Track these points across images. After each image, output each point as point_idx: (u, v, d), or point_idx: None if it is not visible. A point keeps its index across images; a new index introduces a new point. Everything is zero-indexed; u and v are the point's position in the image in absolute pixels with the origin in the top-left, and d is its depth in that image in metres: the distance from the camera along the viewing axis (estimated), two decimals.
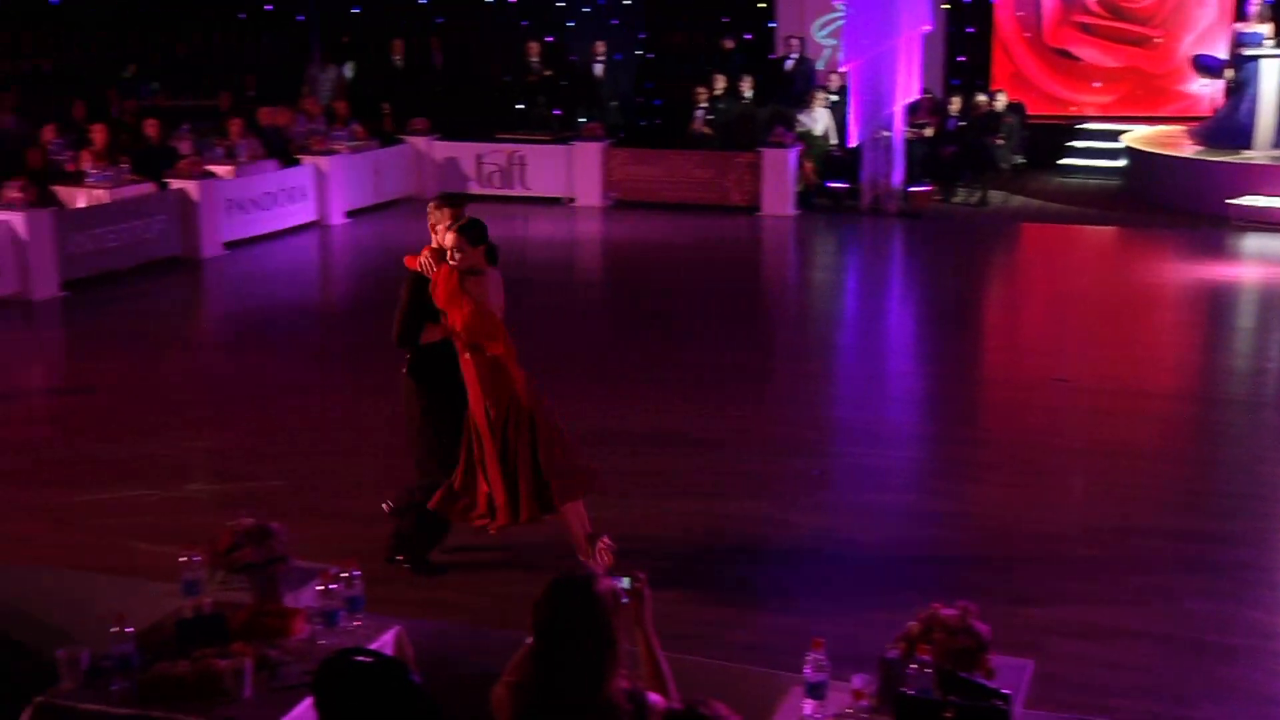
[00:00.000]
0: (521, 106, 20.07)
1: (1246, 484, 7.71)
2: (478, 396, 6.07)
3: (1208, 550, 6.75)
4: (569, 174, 17.81)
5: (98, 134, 14.68)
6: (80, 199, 13.86)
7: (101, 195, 13.82)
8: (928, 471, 8.18)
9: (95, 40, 21.57)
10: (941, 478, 8.01)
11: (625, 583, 3.44)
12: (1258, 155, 16.57)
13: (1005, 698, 3.52)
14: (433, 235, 6.30)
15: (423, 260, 6.15)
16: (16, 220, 12.22)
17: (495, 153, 18.21)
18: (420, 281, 6.13)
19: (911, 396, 9.85)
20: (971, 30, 20.55)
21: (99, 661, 4.22)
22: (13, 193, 12.42)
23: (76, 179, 14.20)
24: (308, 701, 4.03)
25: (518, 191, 18.04)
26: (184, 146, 15.44)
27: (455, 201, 6.45)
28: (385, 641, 4.56)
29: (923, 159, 17.12)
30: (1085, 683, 5.40)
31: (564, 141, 18.19)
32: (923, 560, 6.69)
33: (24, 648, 4.52)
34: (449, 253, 6.03)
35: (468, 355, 6.09)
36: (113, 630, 4.22)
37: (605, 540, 6.28)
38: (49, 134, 15.06)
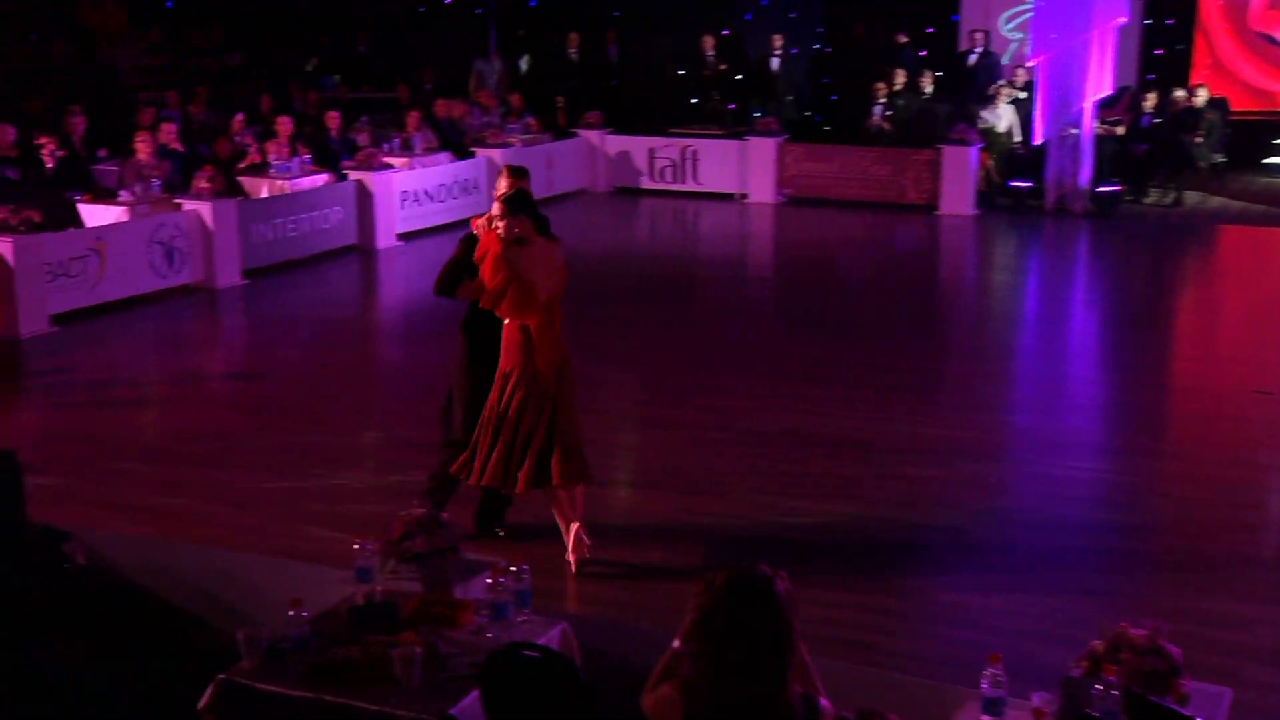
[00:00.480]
0: (696, 101, 20.11)
1: None
2: (504, 361, 6.32)
3: None
4: (742, 169, 17.78)
5: (282, 126, 15.26)
6: (263, 189, 14.43)
7: (283, 185, 14.37)
8: (1112, 484, 7.91)
9: (281, 36, 22.42)
10: (1127, 490, 7.74)
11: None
12: None
13: None
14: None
15: (480, 222, 6.36)
16: (204, 210, 12.80)
17: (668, 147, 18.29)
18: (472, 241, 6.42)
19: (1096, 404, 9.54)
20: (1170, 22, 19.77)
21: (277, 643, 4.38)
22: (201, 182, 13.02)
23: (260, 170, 14.79)
24: (474, 694, 4.12)
25: (690, 187, 18.09)
26: (362, 138, 15.94)
27: (515, 173, 6.64)
28: (552, 637, 4.62)
29: (1113, 157, 16.55)
30: None
31: (738, 136, 18.17)
32: (1106, 576, 6.47)
33: (209, 626, 4.73)
34: (491, 219, 6.20)
35: (507, 320, 6.34)
36: (290, 614, 4.37)
37: (584, 539, 6.37)
38: (237, 125, 15.73)
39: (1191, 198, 16.92)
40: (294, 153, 14.86)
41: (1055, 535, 6.99)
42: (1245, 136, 18.47)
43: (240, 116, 16.00)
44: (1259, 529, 7.19)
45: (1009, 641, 5.56)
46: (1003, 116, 17.20)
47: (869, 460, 8.01)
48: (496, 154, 16.60)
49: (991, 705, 3.61)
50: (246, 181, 14.50)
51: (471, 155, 16.67)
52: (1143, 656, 3.63)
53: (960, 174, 16.49)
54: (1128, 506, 7.45)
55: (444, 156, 16.33)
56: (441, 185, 15.87)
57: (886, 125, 17.86)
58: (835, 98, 20.68)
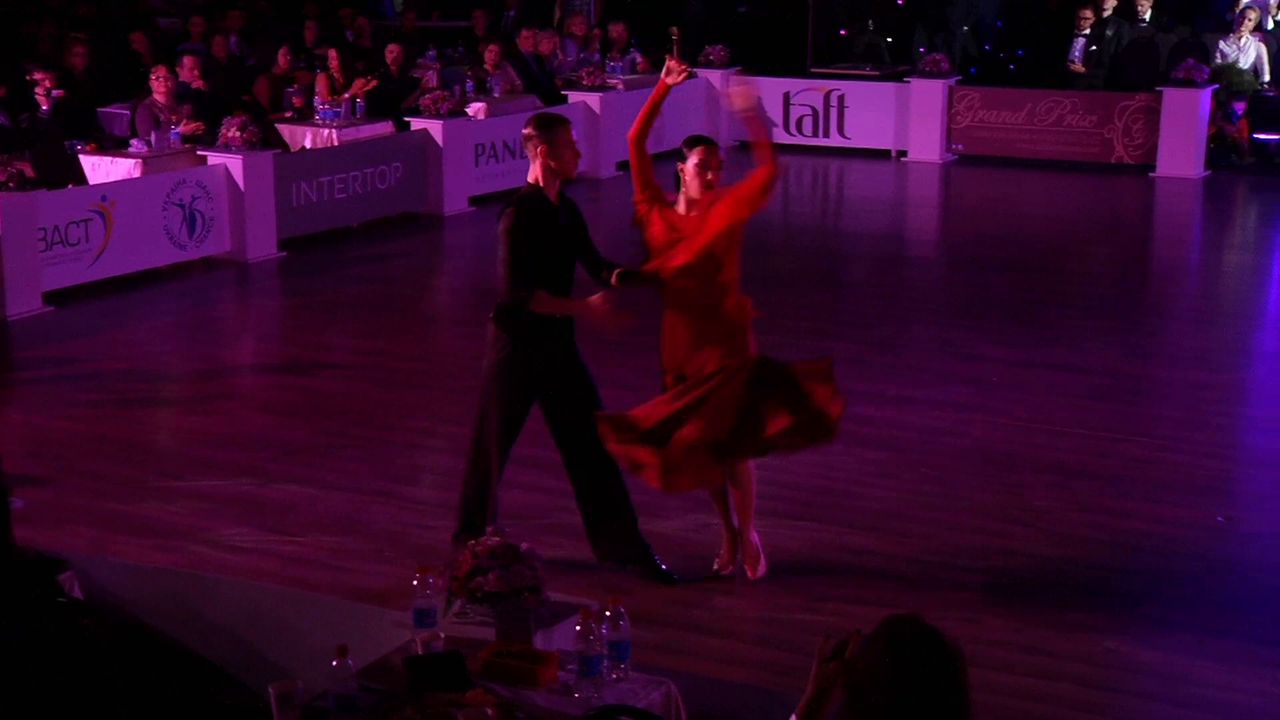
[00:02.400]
0: (844, 32, 20.05)
1: None
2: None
3: None
4: (900, 120, 17.70)
5: (333, 60, 15.47)
6: (305, 139, 14.70)
7: (330, 136, 14.63)
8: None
9: None
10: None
11: None
12: None
13: None
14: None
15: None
16: (234, 164, 13.05)
17: (807, 91, 18.29)
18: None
19: None
20: None
21: (315, 700, 4.47)
22: (230, 131, 13.13)
23: (303, 116, 15.06)
24: None
25: (834, 141, 18.06)
26: (429, 78, 16.18)
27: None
28: (654, 700, 4.65)
29: None
30: None
31: (896, 78, 18.08)
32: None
33: (233, 678, 4.84)
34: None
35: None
36: (333, 664, 4.46)
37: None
38: (283, 61, 15.89)
39: None
40: (342, 94, 15.11)
41: None
42: None
43: (284, 50, 16.22)
44: None
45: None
46: (1247, 50, 16.87)
47: (1065, 487, 7.93)
48: (594, 98, 16.72)
49: None
50: (285, 130, 14.78)
51: (564, 100, 16.82)
52: None
53: (1186, 125, 16.23)
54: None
55: (529, 101, 16.50)
56: None
57: (1090, 64, 17.62)
58: (1025, 28, 20.44)
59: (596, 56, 18.10)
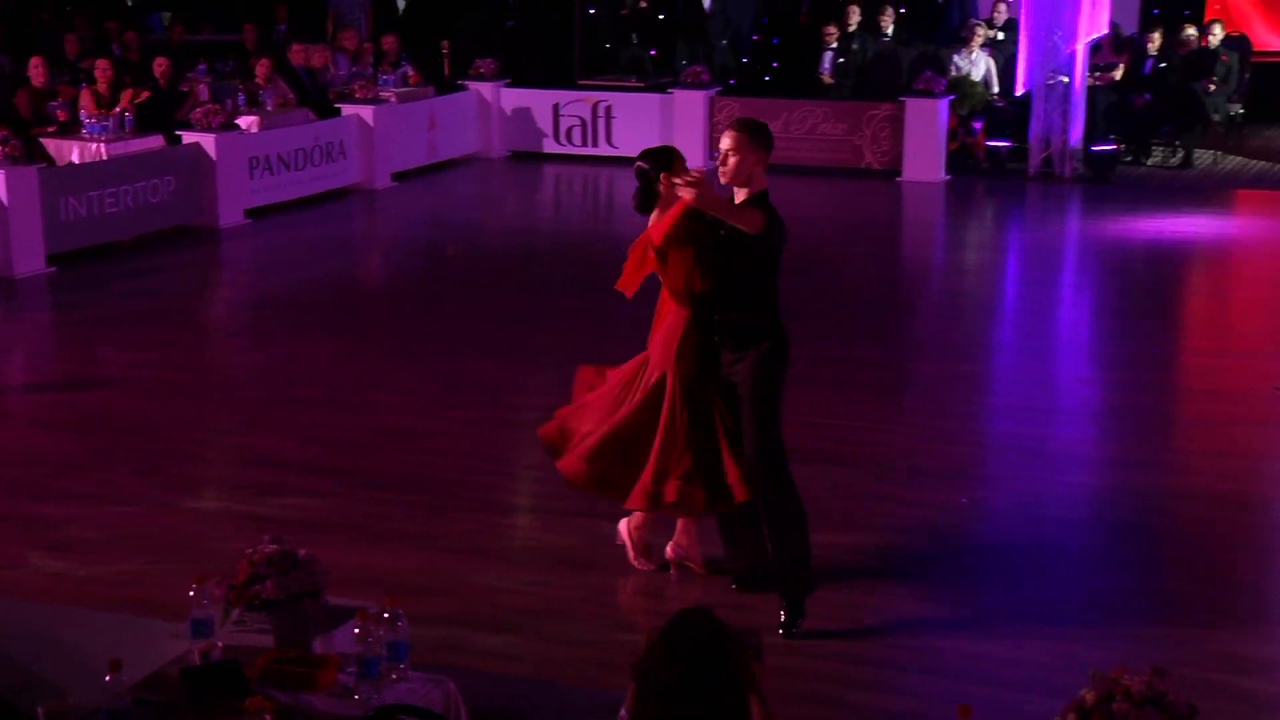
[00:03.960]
0: (610, 46, 20.18)
1: None
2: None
3: None
4: (666, 129, 17.87)
5: (100, 72, 14.98)
6: (73, 153, 14.22)
7: (98, 150, 14.18)
8: (1109, 502, 8.06)
9: None
10: (1129, 511, 7.89)
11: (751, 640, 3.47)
12: None
13: None
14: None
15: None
16: None
17: (576, 103, 18.34)
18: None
19: (1090, 408, 9.73)
20: None
21: (88, 718, 4.32)
22: None
23: (69, 129, 14.56)
24: None
25: (603, 151, 18.15)
26: (200, 91, 15.78)
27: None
28: (433, 698, 4.62)
29: (1109, 110, 16.88)
30: None
31: (661, 89, 18.27)
32: (1103, 614, 6.59)
33: (3, 700, 4.65)
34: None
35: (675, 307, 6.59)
36: (106, 680, 4.31)
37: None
38: (38, 73, 15.30)
39: (1203, 157, 17.30)
40: (110, 108, 14.65)
41: (1044, 566, 7.11)
42: (1268, 83, 18.89)
43: (40, 59, 15.54)
44: None
45: (989, 691, 5.65)
46: (978, 63, 17.47)
47: (827, 475, 8.09)
48: (367, 111, 16.52)
49: None
50: (51, 144, 14.28)
51: (337, 113, 16.58)
52: (1140, 708, 3.71)
53: (927, 132, 16.72)
54: (1130, 530, 7.60)
55: (302, 114, 16.23)
56: (300, 150, 15.76)
57: (838, 76, 18.05)
58: (778, 41, 20.85)
59: (369, 70, 17.88)
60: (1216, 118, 17.66)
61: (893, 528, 7.51)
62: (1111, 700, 3.81)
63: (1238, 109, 18.15)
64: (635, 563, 6.90)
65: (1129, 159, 17.22)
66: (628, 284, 6.78)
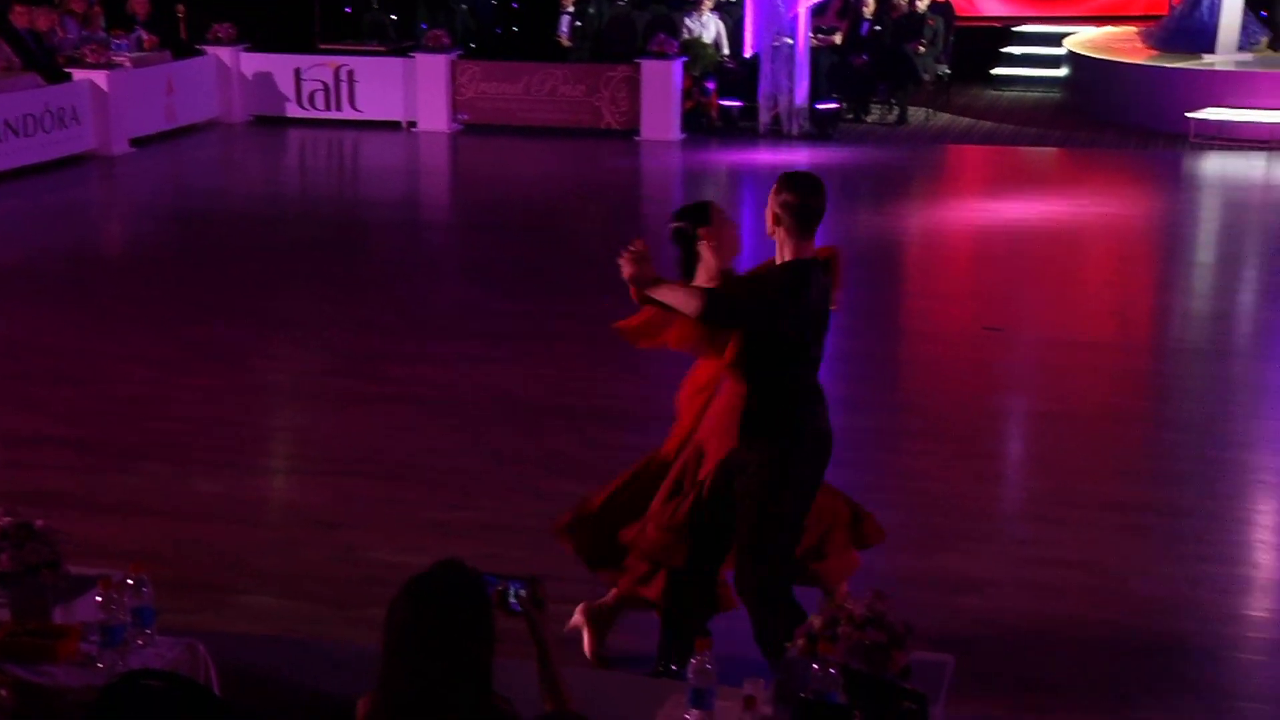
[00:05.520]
0: (350, 10, 19.76)
1: (1199, 447, 7.96)
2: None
3: (1159, 522, 6.97)
4: (409, 93, 17.62)
5: None
6: None
7: None
8: (841, 442, 8.26)
9: None
10: (857, 449, 8.10)
11: (515, 589, 3.43)
12: (1220, 60, 17.02)
13: (920, 698, 3.60)
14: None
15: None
16: None
17: (318, 67, 17.93)
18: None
19: (828, 356, 9.96)
20: None
21: None
22: None
23: None
24: None
25: (346, 114, 17.80)
26: None
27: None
28: (180, 660, 4.49)
29: (831, 71, 17.29)
30: (1025, 678, 5.54)
31: (402, 54, 17.98)
32: None
33: None
34: None
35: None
36: None
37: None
38: None
39: (916, 114, 17.87)
40: None
41: None
42: (972, 45, 19.64)
43: None
44: (997, 480, 7.70)
45: (726, 623, 5.76)
46: (708, 26, 17.68)
47: (580, 430, 8.10)
48: (100, 76, 15.84)
49: (698, 696, 3.73)
50: None
51: (68, 78, 15.85)
52: (861, 629, 3.83)
53: (662, 93, 16.86)
54: (858, 466, 7.81)
55: (29, 79, 15.45)
56: (29, 116, 15.00)
57: (575, 39, 18.07)
58: (517, 5, 20.75)
59: (100, 34, 17.11)
60: (927, 77, 18.28)
61: None
62: (837, 625, 3.93)
63: (945, 69, 18.83)
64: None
65: (850, 116, 17.67)
66: (635, 336, 5.83)
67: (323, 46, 18.63)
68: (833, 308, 5.24)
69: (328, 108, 17.90)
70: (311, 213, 14.08)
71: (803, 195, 5.13)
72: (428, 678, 3.07)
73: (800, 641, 3.90)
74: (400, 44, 18.56)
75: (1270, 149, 15.49)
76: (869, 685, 3.62)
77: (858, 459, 7.92)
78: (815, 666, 3.69)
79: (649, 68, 16.86)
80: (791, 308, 4.98)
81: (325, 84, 17.87)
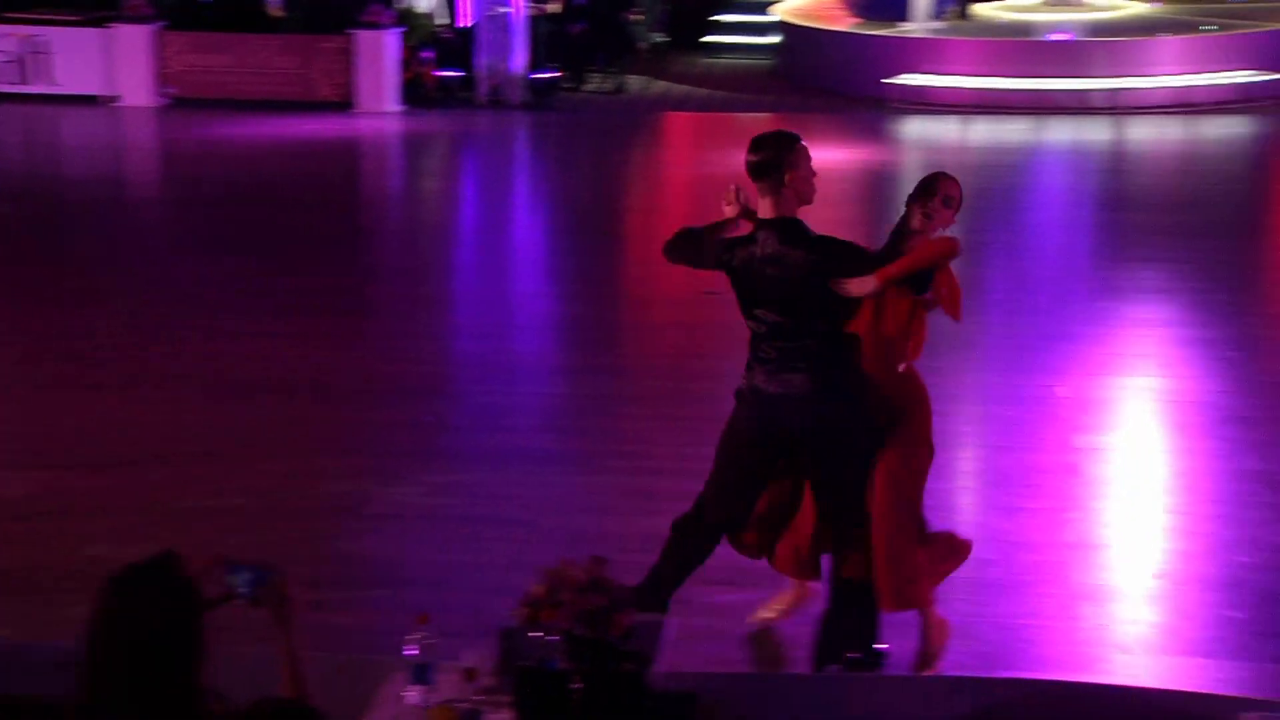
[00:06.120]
0: None
1: None
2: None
3: None
4: (109, 65, 16.88)
5: None
6: None
7: None
8: (565, 409, 8.32)
9: None
10: (581, 415, 8.17)
11: (244, 578, 3.27)
12: (915, 28, 17.66)
13: (640, 659, 3.62)
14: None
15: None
16: None
17: (5, 38, 16.97)
18: None
19: (543, 322, 10.00)
20: None
21: None
22: None
23: None
24: None
25: (40, 88, 16.93)
26: None
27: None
28: None
29: (548, 40, 17.29)
30: (731, 634, 5.67)
31: (99, 24, 17.17)
32: (561, 513, 6.80)
33: None
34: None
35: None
36: None
37: None
38: None
39: (634, 82, 18.03)
40: None
41: (503, 472, 7.24)
42: (685, 13, 19.91)
43: None
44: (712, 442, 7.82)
45: (451, 598, 5.72)
46: None
47: (286, 406, 7.94)
48: None
49: (418, 672, 3.68)
50: None
51: None
52: (583, 594, 3.82)
53: (378, 64, 16.57)
54: (584, 433, 7.87)
55: None
56: None
57: (287, 9, 17.60)
58: None
59: None
60: (643, 45, 18.46)
61: (374, 452, 7.44)
62: (559, 591, 3.92)
63: (660, 37, 19.07)
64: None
65: (569, 86, 17.71)
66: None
67: (10, 16, 17.62)
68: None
69: (21, 81, 16.95)
70: (11, 190, 13.37)
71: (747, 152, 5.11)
72: (119, 680, 2.95)
73: (524, 610, 3.88)
74: (96, 14, 17.69)
75: (963, 112, 16.17)
76: (591, 649, 3.63)
77: (577, 426, 8.00)
78: (535, 635, 3.68)
79: (363, 38, 16.54)
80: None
81: (16, 55, 16.96)
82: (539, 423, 8.05)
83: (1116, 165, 14.56)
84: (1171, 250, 11.06)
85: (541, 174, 14.83)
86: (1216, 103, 15.81)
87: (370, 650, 4.84)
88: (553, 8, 17.57)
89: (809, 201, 5.12)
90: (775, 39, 19.13)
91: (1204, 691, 4.99)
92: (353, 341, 9.21)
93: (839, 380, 5.11)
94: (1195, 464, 7.18)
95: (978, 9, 18.54)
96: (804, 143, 5.14)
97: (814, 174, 5.12)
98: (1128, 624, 5.80)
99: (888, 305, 5.22)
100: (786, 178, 5.03)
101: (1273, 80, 15.96)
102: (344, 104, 16.66)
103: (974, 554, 5.40)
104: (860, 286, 5.01)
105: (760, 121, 16.45)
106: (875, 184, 13.75)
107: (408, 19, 17.13)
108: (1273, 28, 16.94)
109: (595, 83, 17.86)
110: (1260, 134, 15.23)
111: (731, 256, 5.21)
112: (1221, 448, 7.34)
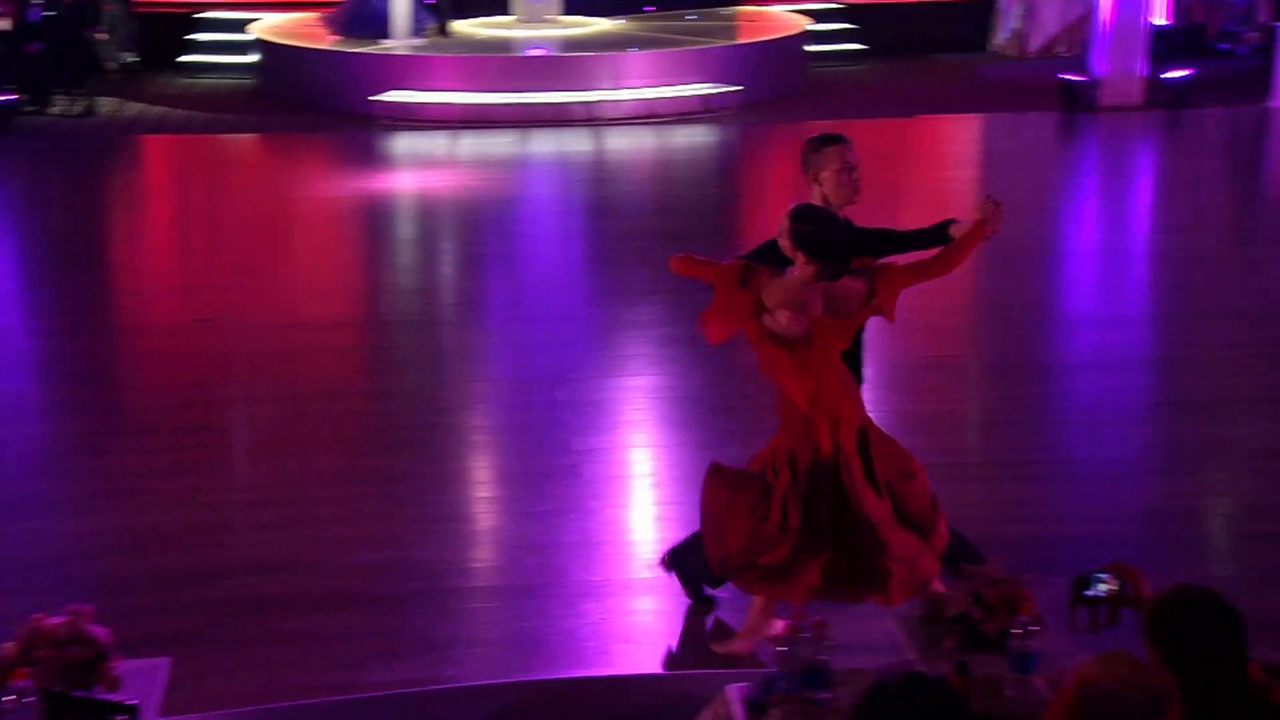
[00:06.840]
0: None
1: (414, 414, 8.26)
2: None
3: (381, 490, 7.15)
4: None
5: None
6: None
7: None
8: (47, 450, 7.82)
9: None
10: (75, 456, 7.72)
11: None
12: (397, 45, 17.75)
13: (130, 709, 3.43)
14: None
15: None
16: None
17: None
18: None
19: (21, 359, 9.39)
20: None
21: None
22: None
23: None
24: None
25: None
26: None
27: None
28: None
29: (3, 61, 16.21)
30: (261, 665, 5.49)
31: None
32: (54, 562, 6.39)
33: None
34: None
35: None
36: None
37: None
38: None
39: (106, 105, 17.17)
40: None
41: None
42: (158, 32, 19.15)
43: None
44: (217, 469, 7.56)
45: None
46: None
47: None
48: None
49: None
50: None
51: None
52: (63, 648, 3.59)
53: None
54: (68, 475, 7.41)
55: None
56: None
57: None
58: None
59: None
60: (113, 66, 17.64)
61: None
62: (35, 648, 3.66)
63: (132, 57, 18.27)
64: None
65: (32, 109, 16.64)
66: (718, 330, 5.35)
67: None
68: None
69: None
70: None
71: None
72: None
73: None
74: None
75: (451, 127, 16.33)
76: (73, 706, 3.39)
77: (66, 468, 7.54)
78: (10, 699, 3.41)
79: None
80: None
81: None
82: (23, 467, 7.53)
83: (598, 174, 15.09)
84: (656, 253, 11.53)
85: (5, 203, 13.86)
86: (682, 113, 16.72)
87: None
88: (5, 25, 16.48)
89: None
90: (256, 58, 18.69)
91: (696, 672, 5.24)
92: None
93: None
94: (686, 456, 7.52)
95: (457, 26, 18.79)
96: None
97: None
98: (628, 616, 6.01)
99: None
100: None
101: (731, 92, 17.02)
102: None
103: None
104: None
105: (243, 143, 16.03)
106: (372, 204, 13.66)
107: None
108: (728, 43, 18.11)
109: (62, 105, 16.87)
110: (723, 141, 16.19)
111: None
112: (711, 438, 7.73)
